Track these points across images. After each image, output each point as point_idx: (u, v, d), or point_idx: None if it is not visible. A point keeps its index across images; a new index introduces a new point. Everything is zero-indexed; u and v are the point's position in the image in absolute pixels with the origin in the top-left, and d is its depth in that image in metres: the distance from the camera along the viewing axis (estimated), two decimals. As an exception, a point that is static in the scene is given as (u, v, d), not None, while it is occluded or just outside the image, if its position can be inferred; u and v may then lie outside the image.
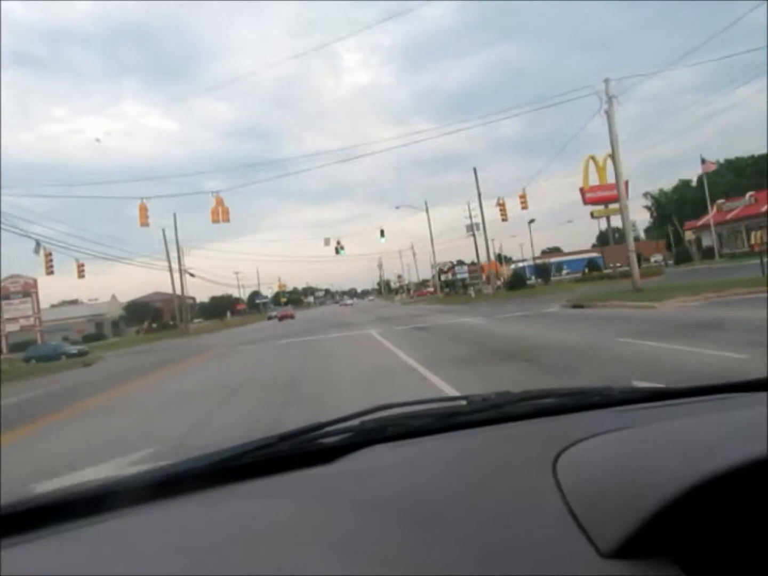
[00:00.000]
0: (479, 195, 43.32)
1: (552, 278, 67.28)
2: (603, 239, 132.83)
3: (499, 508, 0.79)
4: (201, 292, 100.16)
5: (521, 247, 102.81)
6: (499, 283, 70.67)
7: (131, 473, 1.10)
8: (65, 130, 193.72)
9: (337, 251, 47.74)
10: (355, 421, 1.26)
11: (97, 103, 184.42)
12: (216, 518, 0.90)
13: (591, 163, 47.10)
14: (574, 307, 22.02)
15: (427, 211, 61.01)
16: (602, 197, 46.94)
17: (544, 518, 0.74)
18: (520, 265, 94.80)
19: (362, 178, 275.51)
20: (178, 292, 57.69)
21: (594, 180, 46.83)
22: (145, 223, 27.26)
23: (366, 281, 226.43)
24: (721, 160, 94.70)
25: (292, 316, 57.30)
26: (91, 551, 0.82)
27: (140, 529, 0.89)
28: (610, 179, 48.17)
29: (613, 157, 24.54)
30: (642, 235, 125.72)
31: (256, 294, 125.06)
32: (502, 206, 39.52)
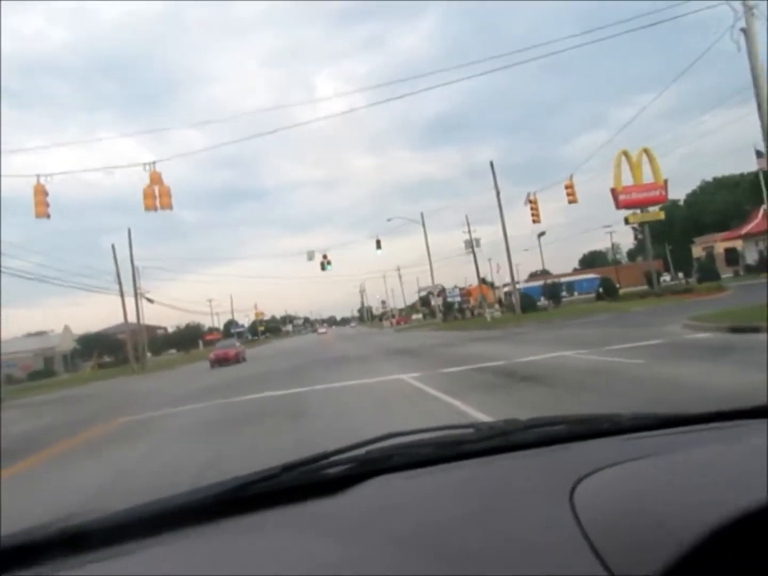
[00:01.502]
0: (498, 194, 34.38)
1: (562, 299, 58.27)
2: (586, 261, 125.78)
3: (516, 538, 0.75)
4: (174, 322, 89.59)
5: (517, 268, 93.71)
6: (497, 306, 62.45)
7: (131, 506, 1.02)
8: (39, 161, 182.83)
9: (323, 267, 38.34)
10: (361, 451, 1.19)
11: (72, 135, 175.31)
12: (219, 554, 0.86)
13: (623, 159, 38.85)
14: (734, 331, 12.93)
15: (423, 225, 52.16)
16: (638, 200, 38.44)
17: (562, 548, 0.71)
18: (519, 286, 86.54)
19: (341, 205, 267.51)
20: (134, 319, 47.41)
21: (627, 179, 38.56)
22: (42, 213, 17.49)
23: (345, 308, 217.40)
24: (709, 179, 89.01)
25: (236, 358, 31.69)
26: None
27: (140, 566, 0.85)
28: (646, 178, 40.12)
29: (757, 98, 15.34)
30: (624, 257, 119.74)
31: (231, 323, 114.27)
32: (533, 204, 30.56)
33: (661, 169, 38.49)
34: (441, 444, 1.27)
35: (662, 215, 39.13)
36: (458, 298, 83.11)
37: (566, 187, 30.90)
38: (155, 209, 17.63)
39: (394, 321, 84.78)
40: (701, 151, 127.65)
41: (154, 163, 17.70)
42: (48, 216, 17.80)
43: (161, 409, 12.85)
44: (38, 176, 17.77)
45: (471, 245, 58.50)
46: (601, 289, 56.05)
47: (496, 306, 63.11)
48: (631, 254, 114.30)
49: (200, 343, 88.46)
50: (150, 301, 48.61)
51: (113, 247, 44.11)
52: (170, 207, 17.71)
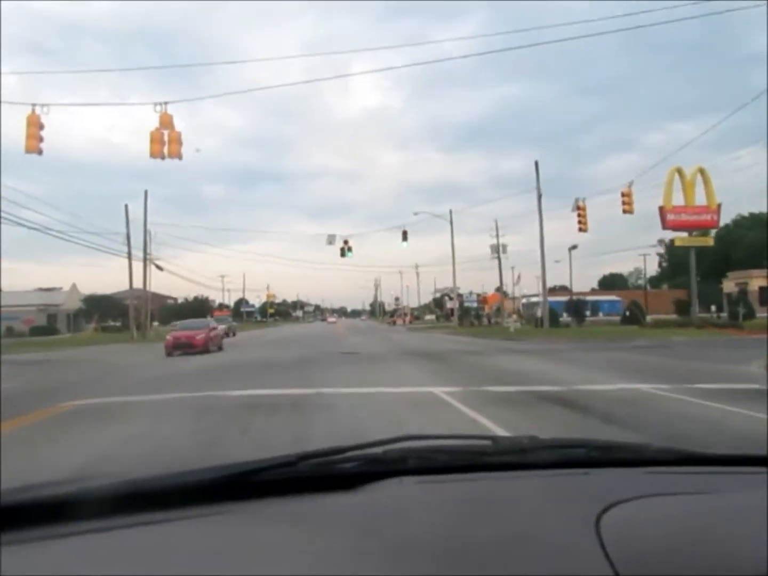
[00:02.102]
0: (539, 197, 31.43)
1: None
2: (606, 283, 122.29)
3: (536, 561, 0.72)
4: (187, 293, 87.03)
5: (538, 280, 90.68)
6: (514, 317, 59.50)
7: (144, 476, 1.02)
8: (72, 121, 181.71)
9: (343, 253, 35.63)
10: (378, 449, 1.17)
11: (105, 98, 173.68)
12: (229, 537, 0.84)
13: (677, 177, 35.74)
14: None
15: (451, 223, 49.30)
16: (688, 222, 35.28)
17: None
18: (534, 300, 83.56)
19: (362, 198, 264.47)
20: (141, 285, 45.02)
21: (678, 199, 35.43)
22: (33, 148, 14.89)
23: (356, 301, 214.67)
24: (746, 214, 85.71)
25: (204, 346, 23.00)
26: (98, 556, 0.78)
27: (149, 539, 0.84)
28: (699, 200, 36.95)
29: None
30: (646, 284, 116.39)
31: (242, 302, 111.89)
32: (581, 211, 27.61)
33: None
34: (459, 453, 1.25)
35: (712, 242, 36.00)
36: (475, 304, 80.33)
37: (623, 195, 28.01)
38: (162, 157, 14.98)
39: (407, 319, 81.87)
40: (735, 185, 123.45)
41: (165, 103, 15.08)
42: (40, 152, 15.19)
43: (129, 394, 10.20)
44: (33, 106, 15.14)
45: (498, 250, 55.67)
46: (627, 313, 53.07)
47: (514, 317, 60.24)
48: (654, 281, 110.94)
49: (208, 317, 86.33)
50: (159, 268, 46.18)
51: (126, 207, 41.71)
52: (179, 155, 15.03)
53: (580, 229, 27.77)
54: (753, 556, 0.65)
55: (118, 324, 61.86)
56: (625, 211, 27.22)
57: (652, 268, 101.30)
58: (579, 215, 27.64)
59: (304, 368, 14.07)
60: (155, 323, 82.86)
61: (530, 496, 1.01)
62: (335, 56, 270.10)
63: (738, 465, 1.22)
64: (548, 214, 55.35)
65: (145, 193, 43.75)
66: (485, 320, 63.57)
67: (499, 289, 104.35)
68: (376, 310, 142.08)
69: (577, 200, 27.79)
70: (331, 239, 35.78)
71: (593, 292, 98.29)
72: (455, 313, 52.57)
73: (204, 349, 22.54)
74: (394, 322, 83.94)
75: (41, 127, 15.17)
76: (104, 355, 24.65)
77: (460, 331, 44.95)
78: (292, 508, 0.96)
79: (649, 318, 49.00)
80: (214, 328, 25.53)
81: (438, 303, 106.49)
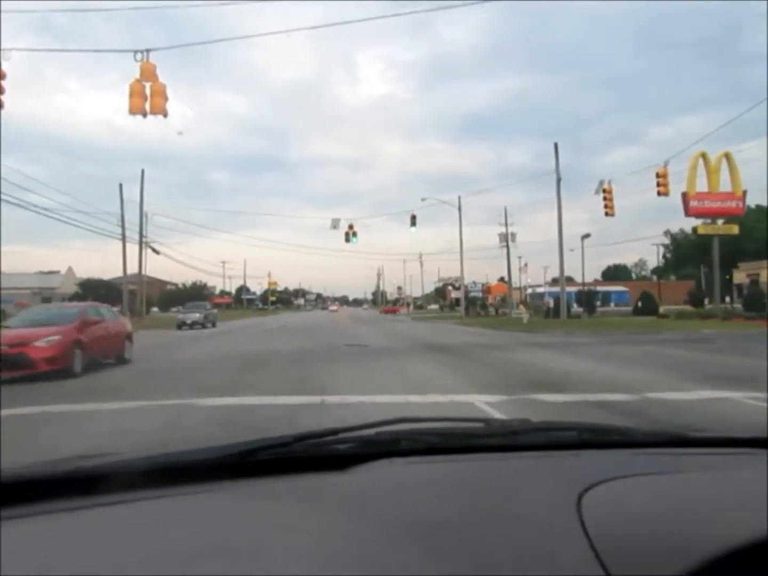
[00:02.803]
0: (558, 181, 28.97)
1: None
2: (608, 274, 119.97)
3: (519, 539, 0.74)
4: (187, 279, 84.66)
5: (545, 270, 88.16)
6: (521, 307, 57.26)
7: (142, 455, 1.05)
8: (77, 102, 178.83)
9: (347, 238, 33.31)
10: (371, 431, 1.19)
11: (111, 80, 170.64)
12: (224, 513, 0.86)
13: (701, 162, 33.33)
14: None
15: (459, 210, 46.74)
16: (712, 209, 32.92)
17: (567, 558, 0.69)
18: (540, 290, 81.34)
19: (366, 187, 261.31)
20: (137, 270, 42.81)
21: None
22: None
23: (358, 290, 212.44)
24: (752, 206, 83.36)
25: (47, 362, 10.37)
26: (92, 533, 0.79)
27: (147, 515, 0.85)
28: (724, 186, 34.55)
29: None
30: (649, 275, 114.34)
31: (243, 289, 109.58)
32: (607, 193, 25.23)
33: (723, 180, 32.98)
34: (450, 435, 1.26)
35: (736, 229, 33.66)
36: (480, 294, 78.17)
37: (658, 176, 25.59)
38: (144, 113, 12.63)
39: (410, 308, 79.65)
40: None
41: (147, 51, 12.72)
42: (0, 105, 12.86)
43: (74, 401, 7.93)
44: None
45: (506, 238, 53.23)
46: (639, 303, 50.85)
47: (521, 307, 58.09)
48: (656, 272, 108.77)
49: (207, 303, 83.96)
50: (155, 251, 44.00)
51: (120, 186, 39.36)
52: (164, 111, 12.65)
53: (607, 213, 25.39)
54: (724, 531, 0.64)
55: (115, 309, 59.56)
56: (660, 193, 24.92)
57: (656, 260, 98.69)
58: (605, 198, 25.25)
59: (304, 365, 11.79)
60: (154, 309, 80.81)
61: (517, 476, 1.02)
62: (342, 44, 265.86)
63: (727, 447, 1.21)
64: (554, 205, 52.99)
65: (142, 172, 41.33)
66: (492, 310, 61.23)
67: (503, 280, 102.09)
68: (378, 299, 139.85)
69: (601, 182, 25.46)
70: (335, 223, 33.44)
71: (597, 282, 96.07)
72: (462, 303, 50.08)
73: (47, 365, 10.58)
74: (396, 311, 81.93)
75: (1, 76, 12.84)
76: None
77: (468, 321, 42.70)
78: (286, 485, 0.97)
79: (660, 309, 46.89)
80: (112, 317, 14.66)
81: (441, 293, 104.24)
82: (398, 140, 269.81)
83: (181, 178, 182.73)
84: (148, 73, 12.67)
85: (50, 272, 73.22)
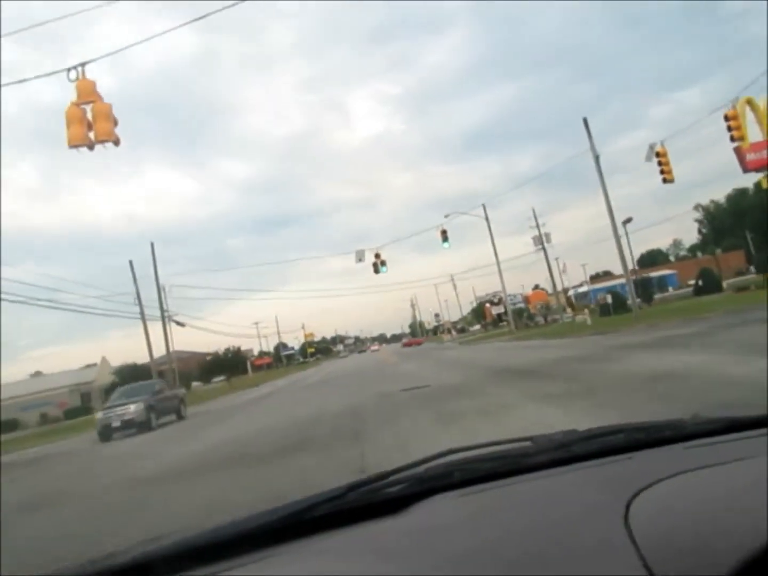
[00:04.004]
0: (597, 159, 25.28)
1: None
2: (645, 261, 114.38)
3: (573, 562, 0.73)
4: (224, 347, 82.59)
5: (584, 267, 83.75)
6: (569, 310, 53.11)
7: (202, 531, 1.05)
8: (91, 202, 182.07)
9: (376, 269, 29.90)
10: (421, 468, 1.17)
11: (120, 175, 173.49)
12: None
13: (748, 110, 29.42)
14: None
15: (486, 218, 43.27)
16: (773, 158, 28.84)
17: (616, 568, 0.68)
18: (582, 290, 76.84)
19: (381, 223, 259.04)
20: (157, 349, 40.01)
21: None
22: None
23: (394, 325, 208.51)
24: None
25: None
26: None
27: None
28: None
29: None
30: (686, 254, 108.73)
31: (280, 346, 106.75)
32: (662, 157, 21.39)
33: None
34: (501, 458, 1.23)
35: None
36: (521, 305, 74.05)
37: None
38: (89, 144, 9.49)
39: (454, 334, 75.64)
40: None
41: (82, 65, 9.65)
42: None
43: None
44: None
45: (541, 240, 49.31)
46: (700, 282, 46.25)
47: (568, 310, 54.07)
48: (694, 249, 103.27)
49: (249, 368, 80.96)
50: (180, 324, 41.17)
51: (131, 263, 36.75)
52: (112, 137, 9.49)
53: (665, 180, 21.46)
54: None
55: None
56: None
57: (690, 237, 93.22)
58: (660, 162, 21.40)
59: (357, 435, 8.12)
60: (195, 383, 78.31)
61: (567, 491, 1.01)
62: (330, 91, 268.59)
63: None
64: (570, 203, 49.02)
65: (152, 245, 38.88)
66: (540, 319, 57.02)
67: (537, 287, 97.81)
68: (416, 331, 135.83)
69: (652, 146, 21.60)
70: (360, 255, 30.13)
71: (634, 272, 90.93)
72: (509, 317, 46.09)
73: None
74: (419, 343, 78.53)
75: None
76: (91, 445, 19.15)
77: (521, 335, 38.76)
78: (342, 540, 0.96)
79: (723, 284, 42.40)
80: None
81: (479, 312, 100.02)
82: (403, 171, 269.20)
83: (200, 251, 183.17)
84: (86, 93, 9.56)
85: (88, 366, 71.37)
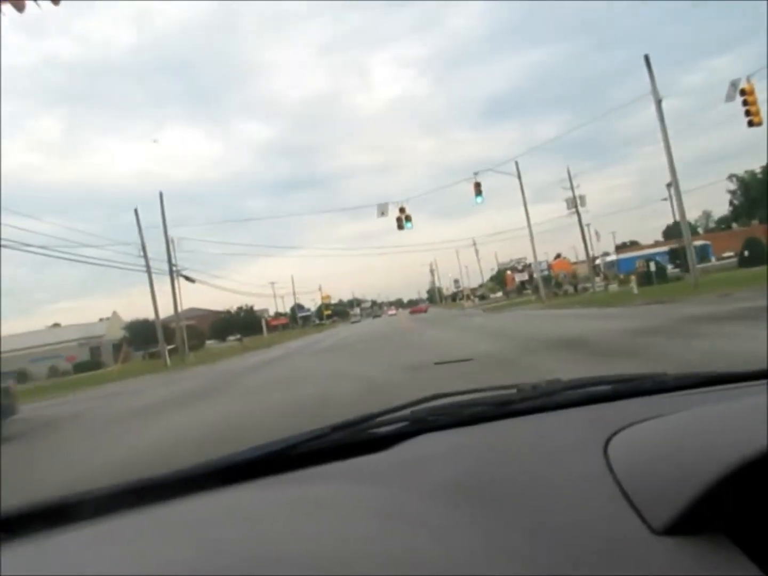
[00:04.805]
0: (659, 102, 21.79)
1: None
2: (671, 233, 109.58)
3: (553, 491, 0.77)
4: (239, 306, 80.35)
5: (613, 235, 79.77)
6: (597, 279, 49.93)
7: (189, 465, 1.05)
8: (111, 159, 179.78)
9: (400, 225, 26.86)
10: (406, 411, 1.19)
11: (140, 133, 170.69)
12: (277, 500, 0.88)
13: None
14: None
15: (519, 177, 39.76)
16: None
17: (596, 499, 0.72)
18: (610, 259, 73.09)
19: (399, 189, 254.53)
20: (176, 304, 37.57)
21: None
22: None
23: (411, 291, 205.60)
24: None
25: None
26: (154, 533, 0.82)
27: (200, 513, 0.88)
28: None
29: None
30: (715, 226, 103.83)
31: (297, 307, 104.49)
32: (749, 95, 17.92)
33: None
34: (485, 404, 1.24)
35: None
36: (546, 272, 70.68)
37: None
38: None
39: (475, 300, 72.61)
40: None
41: None
42: None
43: None
44: None
45: (575, 203, 45.73)
46: (746, 252, 42.67)
47: (597, 279, 50.90)
48: (725, 221, 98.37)
49: (264, 327, 78.77)
50: (190, 279, 38.55)
51: (136, 211, 34.08)
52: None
53: (751, 123, 18.03)
54: (740, 447, 0.64)
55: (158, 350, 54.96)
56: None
57: (720, 210, 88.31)
58: (745, 102, 17.91)
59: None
60: (210, 341, 76.44)
61: (549, 431, 1.03)
62: (353, 53, 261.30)
63: (757, 379, 1.19)
64: (592, 173, 45.14)
65: (160, 194, 36.18)
66: (569, 288, 53.70)
67: (559, 256, 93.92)
68: (434, 296, 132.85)
69: (734, 83, 18.07)
70: (383, 209, 27.04)
71: (657, 243, 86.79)
72: (539, 284, 42.87)
73: None
74: (425, 310, 76.27)
75: None
76: (90, 402, 16.73)
77: (553, 303, 35.67)
78: (327, 470, 0.98)
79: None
80: None
81: (500, 279, 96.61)
82: (423, 137, 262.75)
83: (218, 212, 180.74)
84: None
85: (101, 320, 69.63)
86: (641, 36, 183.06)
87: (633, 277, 29.76)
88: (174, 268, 36.73)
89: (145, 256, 33.74)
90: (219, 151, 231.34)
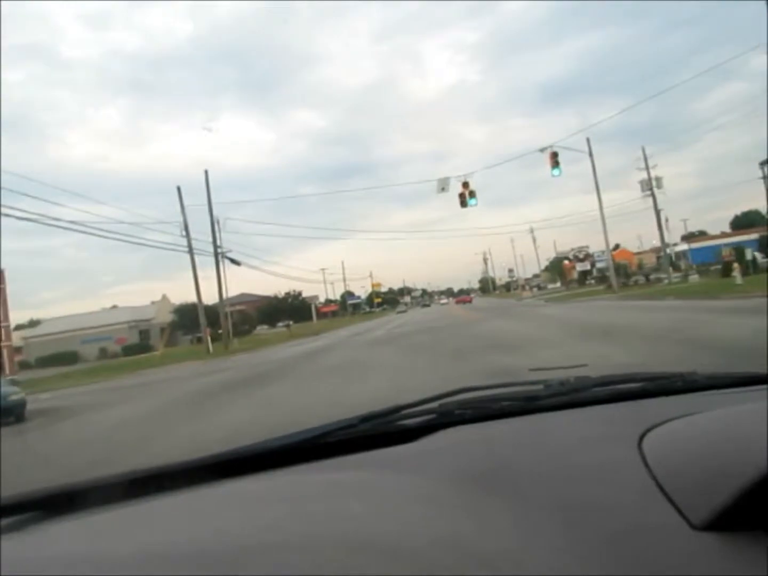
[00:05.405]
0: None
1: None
2: (740, 223, 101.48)
3: (586, 482, 0.76)
4: (280, 291, 78.83)
5: (684, 224, 74.09)
6: (736, 266, 45.33)
7: (224, 450, 1.06)
8: (168, 148, 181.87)
9: (464, 202, 23.57)
10: (435, 404, 1.18)
11: (196, 122, 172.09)
12: (312, 483, 0.90)
13: None
14: None
15: (590, 154, 35.71)
16: None
17: (631, 490, 0.71)
18: (680, 248, 67.68)
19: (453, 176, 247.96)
20: (223, 288, 35.39)
21: None
22: None
23: (461, 281, 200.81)
24: None
25: None
26: (197, 510, 0.83)
27: (238, 496, 0.89)
28: None
29: None
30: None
31: (347, 294, 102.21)
32: None
33: None
34: (513, 398, 1.23)
35: None
36: (604, 263, 65.97)
37: None
38: None
39: (535, 290, 68.43)
40: None
41: None
42: None
43: None
44: None
45: (650, 184, 41.24)
46: None
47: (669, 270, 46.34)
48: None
49: (314, 315, 76.66)
50: (235, 262, 36.29)
51: (178, 189, 31.84)
52: None
53: None
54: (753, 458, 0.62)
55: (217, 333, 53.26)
56: None
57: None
58: None
59: None
60: (263, 326, 74.93)
61: (580, 426, 1.02)
62: (406, 40, 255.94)
63: None
64: (655, 163, 40.50)
65: (206, 172, 34.09)
66: (640, 279, 49.19)
67: (618, 247, 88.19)
68: (487, 286, 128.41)
69: None
70: (443, 184, 23.78)
71: (729, 234, 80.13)
72: (609, 275, 38.69)
73: None
74: (470, 300, 73.22)
75: None
76: (108, 395, 14.27)
77: (628, 294, 31.69)
78: (356, 459, 0.98)
79: None
80: None
81: (557, 269, 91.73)
82: (477, 124, 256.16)
83: (271, 199, 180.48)
84: None
85: (153, 303, 68.88)
86: (707, 17, 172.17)
87: (736, 266, 25.56)
88: (219, 250, 34.53)
89: (188, 235, 31.57)
90: (272, 139, 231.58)
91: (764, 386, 1.15)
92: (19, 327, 75.24)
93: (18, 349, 57.15)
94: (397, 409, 1.14)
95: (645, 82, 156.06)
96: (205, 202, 33.18)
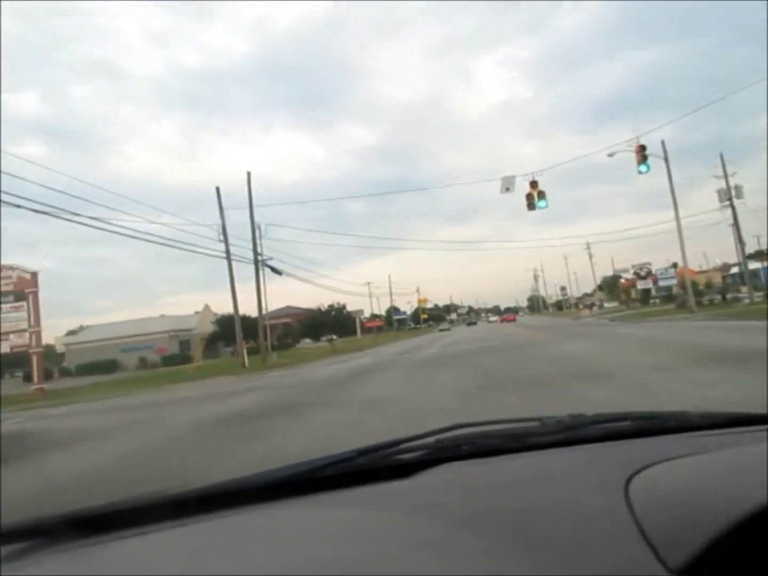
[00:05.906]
0: None
1: None
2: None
3: (571, 526, 0.77)
4: (322, 304, 76.90)
5: (758, 239, 68.70)
6: (743, 289, 40.90)
7: (224, 481, 1.07)
8: (222, 161, 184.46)
9: (531, 203, 20.49)
10: (431, 439, 1.20)
11: (250, 136, 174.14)
12: (302, 521, 0.90)
13: None
14: None
15: (666, 159, 31.97)
16: None
17: (614, 536, 0.72)
18: (752, 267, 62.47)
19: (501, 195, 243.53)
20: (271, 305, 33.19)
21: None
22: None
23: (509, 299, 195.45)
24: None
25: None
26: (182, 549, 0.84)
27: (222, 533, 0.89)
28: None
29: None
30: None
31: (393, 310, 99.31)
32: None
33: None
34: (508, 435, 1.25)
35: None
36: (674, 281, 61.23)
37: None
38: None
39: (594, 309, 64.08)
40: None
41: None
42: None
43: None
44: None
45: (729, 193, 37.11)
46: None
47: (743, 289, 42.04)
48: None
49: (358, 329, 73.99)
50: (276, 271, 34.01)
51: (217, 190, 29.80)
52: None
53: None
54: (735, 501, 0.65)
55: (249, 347, 51.12)
56: None
57: None
58: None
59: None
60: (306, 340, 72.70)
61: (570, 466, 1.03)
62: (459, 56, 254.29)
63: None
64: (705, 180, 36.44)
65: (248, 174, 31.83)
66: (716, 298, 44.75)
67: (675, 266, 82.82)
68: (536, 304, 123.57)
69: None
70: (507, 183, 20.77)
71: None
72: (688, 291, 34.61)
73: None
74: (513, 319, 70.83)
75: None
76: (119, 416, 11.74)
77: (709, 314, 27.75)
78: (351, 494, 0.99)
79: None
80: None
81: (612, 287, 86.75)
82: (527, 141, 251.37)
83: (325, 214, 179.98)
84: None
85: (196, 313, 67.65)
86: (762, 35, 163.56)
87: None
88: (259, 257, 32.29)
89: (225, 240, 29.41)
90: (322, 154, 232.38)
91: (756, 427, 1.15)
92: (70, 333, 75.49)
93: (60, 356, 56.42)
94: (395, 443, 1.15)
95: (707, 98, 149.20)
96: (259, 218, 30.98)
